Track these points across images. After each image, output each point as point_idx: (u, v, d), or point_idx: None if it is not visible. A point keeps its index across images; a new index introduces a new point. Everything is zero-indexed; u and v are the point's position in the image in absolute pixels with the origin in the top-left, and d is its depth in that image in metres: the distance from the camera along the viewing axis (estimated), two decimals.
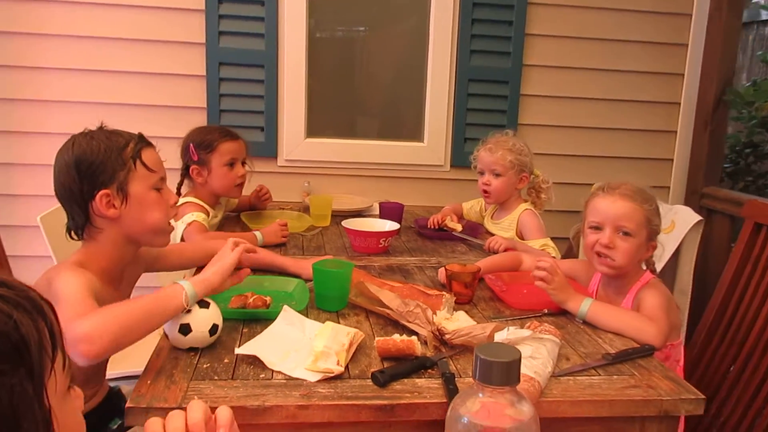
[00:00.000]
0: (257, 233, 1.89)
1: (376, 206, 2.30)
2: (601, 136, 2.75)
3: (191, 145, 1.97)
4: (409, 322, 1.26)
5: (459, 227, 2.13)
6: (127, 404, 0.96)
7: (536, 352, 1.11)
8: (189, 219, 1.87)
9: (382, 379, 1.05)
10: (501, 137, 2.15)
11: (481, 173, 2.15)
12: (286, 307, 1.28)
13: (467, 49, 2.59)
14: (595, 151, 2.75)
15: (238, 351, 1.13)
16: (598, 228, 1.45)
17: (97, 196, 1.23)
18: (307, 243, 1.99)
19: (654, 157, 2.79)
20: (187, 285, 1.14)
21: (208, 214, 1.98)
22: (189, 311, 1.14)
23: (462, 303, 1.46)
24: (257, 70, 2.53)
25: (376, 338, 1.16)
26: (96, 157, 1.23)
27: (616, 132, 2.75)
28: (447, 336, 1.20)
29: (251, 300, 1.34)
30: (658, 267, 1.89)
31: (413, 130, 2.69)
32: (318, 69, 2.60)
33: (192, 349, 1.15)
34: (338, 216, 2.19)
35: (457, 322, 1.26)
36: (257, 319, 1.29)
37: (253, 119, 2.56)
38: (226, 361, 1.12)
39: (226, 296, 1.36)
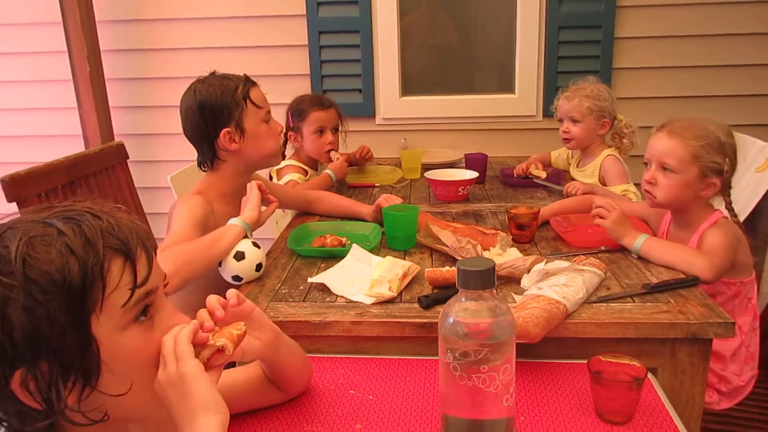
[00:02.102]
0: (329, 171, 2.16)
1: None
2: (701, 75, 2.62)
3: (288, 112, 2.21)
4: (462, 256, 1.41)
5: (543, 174, 2.21)
6: None
7: (571, 280, 1.21)
8: (286, 179, 2.13)
9: (425, 303, 1.22)
10: (580, 84, 2.16)
11: (561, 121, 2.19)
12: (355, 245, 1.47)
13: None
14: (696, 90, 2.63)
15: (311, 280, 1.35)
16: (647, 164, 1.49)
17: (221, 134, 1.49)
18: (396, 193, 2.17)
19: (758, 93, 2.61)
20: (237, 220, 1.39)
21: (306, 173, 2.22)
22: (244, 244, 1.35)
23: (522, 242, 1.57)
24: (353, 36, 2.71)
25: (426, 269, 1.33)
26: (215, 101, 1.48)
27: (717, 69, 2.61)
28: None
29: (329, 240, 1.55)
30: (747, 207, 1.86)
31: (504, 83, 2.74)
32: (410, 29, 2.73)
33: (236, 279, 1.35)
34: (430, 168, 2.34)
35: (507, 257, 1.39)
36: (334, 256, 1.50)
37: (352, 82, 2.76)
38: (301, 288, 1.34)
39: (310, 237, 1.60)
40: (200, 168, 1.56)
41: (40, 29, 2.72)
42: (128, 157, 1.95)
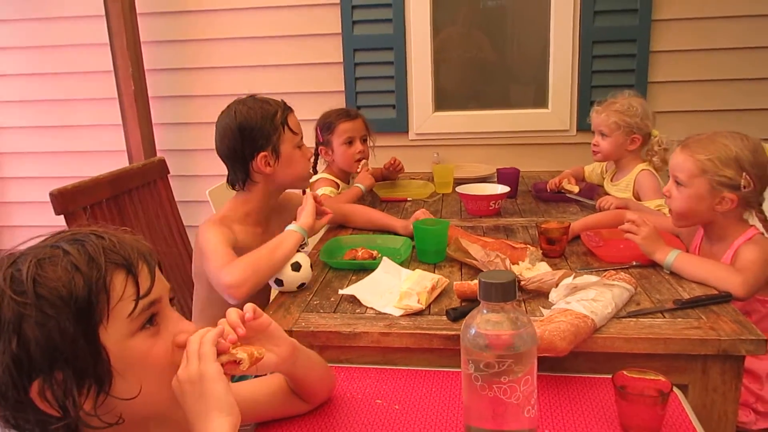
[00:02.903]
0: (358, 185, 2.21)
1: None
2: (738, 88, 2.58)
3: (317, 127, 2.26)
4: (491, 270, 1.42)
5: (576, 189, 2.20)
6: None
7: (600, 295, 1.21)
8: (320, 193, 2.17)
9: (453, 315, 1.23)
10: (612, 99, 2.16)
11: (593, 133, 2.19)
12: (385, 258, 1.50)
13: (591, 10, 2.59)
14: (733, 104, 2.60)
15: (341, 291, 1.38)
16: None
17: (258, 157, 1.53)
18: (427, 207, 2.19)
19: None
20: (294, 226, 1.47)
21: (338, 186, 2.27)
22: (300, 256, 1.42)
23: (553, 257, 1.58)
24: (387, 53, 2.76)
25: (454, 282, 1.35)
26: (255, 124, 1.53)
27: (755, 83, 2.57)
28: (522, 282, 1.34)
29: (360, 253, 1.58)
30: None
31: (538, 97, 2.75)
32: (443, 45, 2.77)
33: (278, 283, 1.41)
34: (462, 183, 2.36)
35: (536, 272, 1.40)
36: (364, 269, 1.53)
37: (385, 98, 2.81)
38: (332, 299, 1.37)
39: (342, 250, 1.63)
40: (230, 186, 1.61)
41: (88, 50, 2.85)
42: (169, 172, 2.02)
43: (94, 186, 1.61)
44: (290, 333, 1.22)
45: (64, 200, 1.48)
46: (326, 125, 2.25)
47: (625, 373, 0.97)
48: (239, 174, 1.56)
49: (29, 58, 2.97)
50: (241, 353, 0.78)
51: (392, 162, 2.53)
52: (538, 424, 0.85)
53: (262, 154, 1.53)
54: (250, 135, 1.52)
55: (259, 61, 2.84)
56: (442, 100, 2.81)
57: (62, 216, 1.49)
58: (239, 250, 1.48)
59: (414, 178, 2.62)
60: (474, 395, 0.81)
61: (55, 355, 0.66)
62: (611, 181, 2.27)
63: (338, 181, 2.28)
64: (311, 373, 0.97)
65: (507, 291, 0.80)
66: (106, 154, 2.87)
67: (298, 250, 1.45)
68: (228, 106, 1.57)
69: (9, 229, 3.17)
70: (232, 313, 0.83)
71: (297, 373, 0.95)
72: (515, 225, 1.91)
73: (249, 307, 0.86)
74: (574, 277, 1.29)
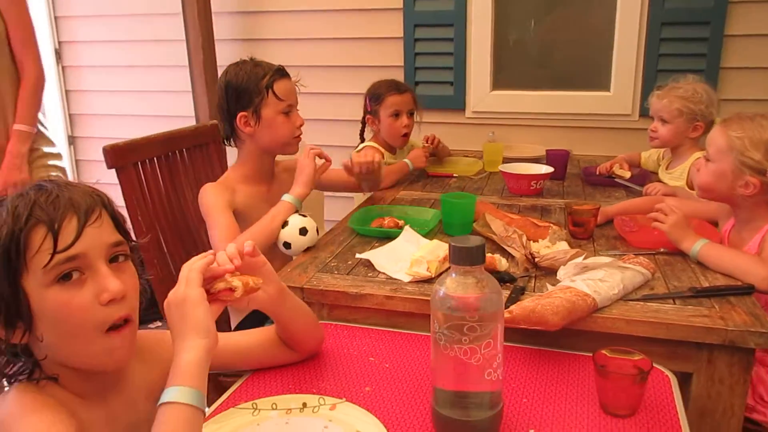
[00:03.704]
0: (407, 160, 2.22)
1: None
2: None
3: (366, 97, 2.30)
4: (508, 245, 1.43)
5: (627, 174, 2.14)
6: None
7: (608, 276, 1.20)
8: None
9: None
10: (676, 83, 2.06)
11: (652, 119, 2.11)
12: (407, 227, 1.53)
13: None
14: None
15: (358, 255, 1.43)
16: None
17: (238, 116, 1.61)
18: (471, 183, 2.20)
19: None
20: (290, 198, 1.56)
21: (382, 156, 2.30)
22: (300, 223, 1.51)
23: (580, 238, 1.56)
24: (447, 29, 2.75)
25: None
26: (240, 84, 1.61)
27: None
28: (536, 259, 1.34)
29: (387, 221, 1.63)
30: None
31: (599, 80, 2.66)
32: (504, 23, 2.73)
33: (286, 246, 1.51)
34: (512, 162, 2.34)
35: (554, 250, 1.39)
36: (388, 237, 1.57)
37: (443, 75, 2.81)
38: (349, 262, 1.43)
39: (371, 218, 1.68)
40: (223, 142, 1.73)
41: (162, 20, 3.02)
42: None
43: (146, 144, 1.72)
44: (302, 290, 1.29)
45: (115, 155, 1.61)
46: (375, 96, 2.29)
47: (605, 352, 0.97)
48: (227, 130, 1.66)
49: (109, 26, 3.18)
50: (236, 281, 0.84)
51: (430, 138, 2.45)
52: (501, 388, 0.86)
53: (242, 113, 1.60)
54: (234, 94, 1.60)
55: (322, 33, 2.90)
56: (500, 79, 2.77)
57: (113, 170, 1.62)
58: (244, 209, 1.60)
59: (468, 155, 2.62)
60: (438, 355, 0.84)
61: None
62: (666, 169, 2.18)
63: (383, 150, 2.32)
64: (297, 319, 1.03)
65: (474, 255, 0.81)
66: (176, 119, 3.04)
67: (303, 215, 1.53)
68: (226, 67, 1.67)
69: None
70: (231, 246, 0.90)
71: (283, 316, 1.01)
72: (553, 206, 1.88)
73: (249, 243, 0.92)
74: (586, 257, 1.27)
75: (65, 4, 3.24)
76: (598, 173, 2.20)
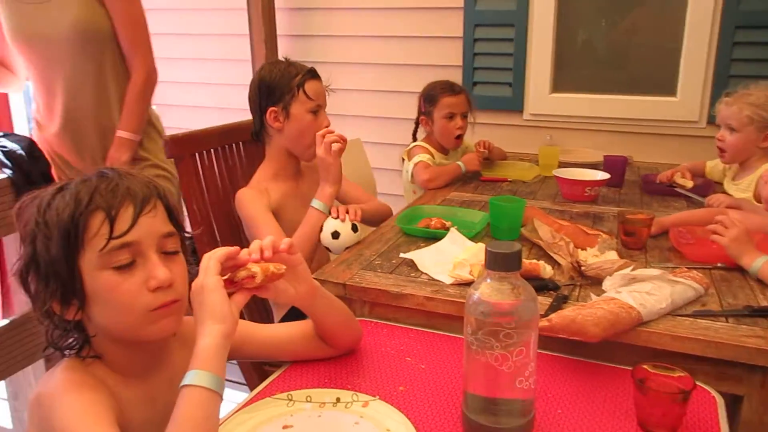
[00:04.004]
0: (460, 162, 2.20)
1: None
2: None
3: (420, 97, 2.30)
4: (554, 252, 1.40)
5: (689, 184, 2.06)
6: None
7: (656, 289, 1.16)
8: (417, 159, 2.22)
9: None
10: (747, 89, 1.97)
11: (719, 127, 2.02)
12: (453, 229, 1.53)
13: None
14: None
15: (402, 255, 1.43)
16: None
17: (268, 111, 1.68)
18: (524, 188, 2.17)
19: None
20: (316, 203, 1.61)
21: (433, 157, 2.29)
22: (332, 227, 1.56)
23: (632, 248, 1.51)
24: (508, 30, 2.71)
25: None
26: (273, 81, 1.68)
27: None
28: (582, 268, 1.31)
29: (433, 222, 1.63)
30: None
31: (666, 84, 2.56)
32: (566, 24, 2.66)
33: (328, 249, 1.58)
34: (569, 167, 2.29)
35: (603, 259, 1.36)
36: (434, 238, 1.57)
37: (503, 75, 2.77)
38: (393, 261, 1.44)
39: (419, 218, 1.69)
40: (252, 138, 1.78)
41: (229, 15, 3.11)
42: None
43: (204, 136, 1.78)
44: (344, 286, 1.31)
45: (175, 146, 1.67)
46: (429, 97, 2.28)
47: (646, 367, 0.94)
48: (257, 125, 1.72)
49: (180, 19, 3.30)
50: (255, 267, 0.86)
51: (484, 144, 2.40)
52: (533, 397, 0.85)
53: (272, 108, 1.66)
54: (267, 90, 1.67)
55: (383, 31, 2.91)
56: (561, 81, 2.71)
57: (172, 160, 1.68)
58: (276, 207, 1.65)
59: (523, 159, 2.58)
60: (470, 360, 0.84)
61: (50, 269, 0.80)
62: (732, 179, 2.09)
63: (434, 151, 2.31)
64: (331, 317, 1.05)
65: (510, 261, 0.81)
66: (238, 111, 3.13)
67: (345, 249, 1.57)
68: (262, 64, 1.75)
69: None
70: (267, 239, 0.92)
71: (315, 313, 1.03)
72: (606, 213, 1.83)
73: (287, 241, 0.94)
74: (634, 268, 1.24)
75: None
76: (658, 182, 2.12)
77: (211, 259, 0.84)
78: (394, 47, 2.91)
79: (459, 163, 2.22)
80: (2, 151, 1.78)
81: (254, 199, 1.64)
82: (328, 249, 1.59)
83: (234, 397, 2.27)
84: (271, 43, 2.94)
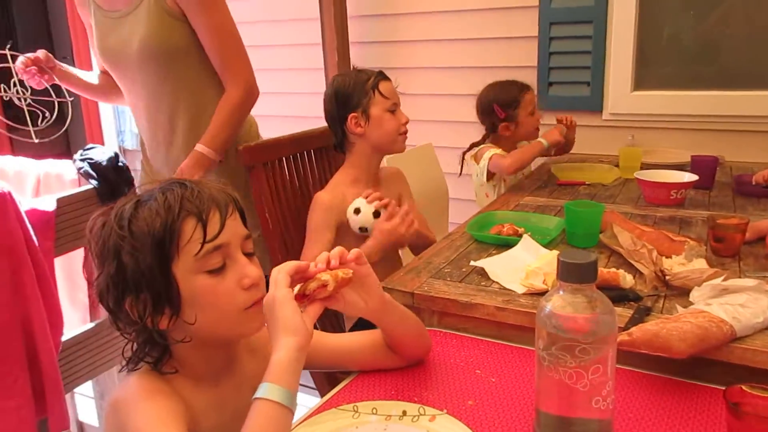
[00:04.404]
0: (541, 139, 2.17)
1: None
2: None
3: (495, 105, 2.24)
4: (636, 261, 1.32)
5: None
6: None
7: (752, 302, 1.07)
8: (490, 154, 2.19)
9: None
10: None
11: None
12: (526, 236, 1.47)
13: None
14: None
15: (473, 263, 1.39)
16: None
17: (349, 118, 1.70)
18: (603, 191, 2.07)
19: None
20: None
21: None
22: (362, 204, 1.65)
23: (722, 256, 1.40)
24: (586, 27, 2.60)
25: None
26: (348, 89, 1.71)
27: None
28: (667, 277, 1.22)
29: (505, 228, 1.57)
30: None
31: (761, 78, 2.38)
32: (649, 19, 2.53)
33: (362, 230, 1.66)
34: (652, 169, 2.17)
35: (690, 268, 1.26)
36: (507, 245, 1.51)
37: (580, 75, 2.66)
38: (463, 269, 1.39)
39: (491, 224, 1.64)
40: (335, 149, 1.81)
41: (302, 24, 3.16)
42: None
43: (276, 145, 1.81)
44: (412, 295, 1.28)
45: (248, 155, 1.70)
46: (508, 100, 2.24)
47: (743, 388, 0.85)
48: (338, 136, 1.75)
49: (257, 31, 3.38)
50: (325, 276, 0.85)
51: (566, 119, 2.30)
52: (611, 417, 0.79)
53: (353, 114, 1.69)
54: (343, 99, 1.70)
55: (455, 34, 2.88)
56: (643, 78, 2.57)
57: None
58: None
59: (603, 161, 2.47)
60: (542, 376, 0.79)
61: (141, 279, 0.81)
62: None
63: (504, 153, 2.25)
64: (401, 328, 1.02)
65: (585, 272, 0.76)
66: (310, 119, 3.17)
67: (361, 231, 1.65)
68: (332, 78, 1.79)
69: None
70: (336, 249, 0.91)
71: (385, 325, 1.01)
72: (695, 218, 1.72)
73: (355, 252, 0.92)
74: (726, 278, 1.14)
75: None
76: (754, 183, 1.97)
77: (281, 273, 0.84)
78: (466, 50, 2.87)
79: (540, 139, 2.18)
80: (89, 163, 1.87)
81: (320, 212, 1.67)
82: (361, 231, 1.67)
83: (305, 401, 2.30)
84: (344, 50, 2.96)
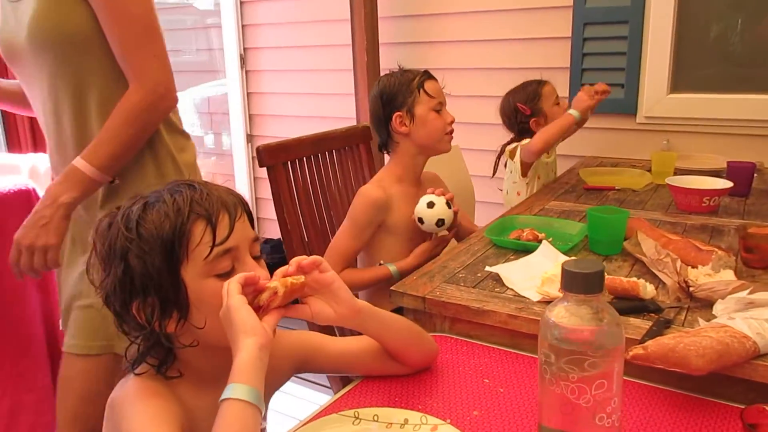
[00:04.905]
0: (571, 111, 2.11)
1: None
2: None
3: (518, 104, 2.20)
4: (659, 270, 1.26)
5: None
6: (391, 288, 1.31)
7: None
8: (521, 144, 2.17)
9: None
10: None
11: None
12: (545, 242, 1.43)
13: None
14: None
15: (488, 268, 1.36)
16: None
17: (394, 117, 1.69)
18: (633, 197, 2.01)
19: None
20: (391, 266, 1.69)
21: None
22: (427, 198, 1.66)
23: (754, 268, 1.34)
24: (621, 27, 2.53)
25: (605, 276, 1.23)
26: (393, 88, 1.70)
27: None
28: (691, 289, 1.17)
29: (525, 233, 1.53)
30: None
31: None
32: (688, 19, 2.44)
33: (439, 223, 1.67)
34: (687, 174, 2.09)
35: (717, 279, 1.20)
36: (526, 250, 1.47)
37: (614, 76, 2.58)
38: (478, 275, 1.36)
39: (510, 229, 1.60)
40: (380, 150, 1.80)
41: (332, 26, 3.16)
42: (372, 138, 2.15)
43: (296, 144, 1.80)
44: (423, 300, 1.26)
45: (267, 155, 1.70)
46: (530, 96, 2.21)
47: (766, 408, 0.80)
48: (382, 136, 1.74)
49: (286, 33, 3.40)
50: (273, 283, 0.83)
51: (598, 90, 2.15)
52: None
53: (398, 113, 1.68)
54: (389, 98, 1.69)
55: (486, 35, 2.83)
56: (680, 81, 2.49)
57: (265, 168, 1.71)
58: (394, 210, 1.69)
59: (635, 166, 2.40)
60: (544, 390, 0.76)
61: (149, 283, 0.80)
62: None
63: None
64: (385, 335, 0.99)
65: (591, 282, 0.72)
66: (340, 120, 3.17)
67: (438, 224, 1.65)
68: (378, 78, 1.77)
69: (259, 180, 3.71)
70: (295, 259, 0.88)
71: (368, 333, 0.98)
72: (727, 227, 1.64)
73: (312, 259, 0.88)
74: (752, 291, 1.08)
75: (252, 13, 3.52)
76: None
77: (231, 283, 0.81)
78: (497, 51, 2.82)
79: (570, 111, 2.12)
80: None
81: (365, 207, 1.68)
82: (420, 222, 1.66)
83: (318, 399, 2.30)
84: (373, 51, 2.95)
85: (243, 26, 3.58)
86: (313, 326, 1.53)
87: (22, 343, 1.62)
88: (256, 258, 0.88)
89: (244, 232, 0.86)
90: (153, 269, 0.80)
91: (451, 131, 1.73)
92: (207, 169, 4.03)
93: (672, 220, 1.72)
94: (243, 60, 3.63)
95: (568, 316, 0.74)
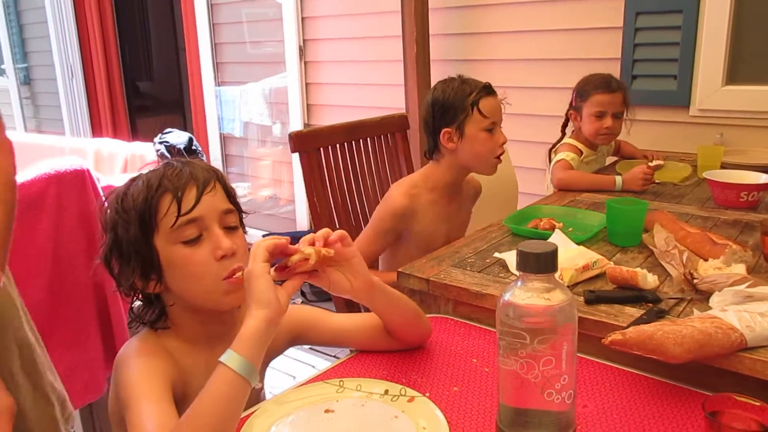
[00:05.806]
0: (617, 177, 1.96)
1: None
2: None
3: (574, 90, 2.15)
4: (666, 262, 1.25)
5: None
6: (399, 270, 1.36)
7: None
8: (559, 157, 2.10)
9: (588, 297, 1.14)
10: None
11: None
12: (557, 230, 1.43)
13: None
14: None
15: (496, 254, 1.38)
16: None
17: (442, 132, 1.64)
18: (672, 190, 1.95)
19: None
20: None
21: (581, 153, 2.15)
22: None
23: None
24: (675, 17, 2.45)
25: (608, 266, 1.23)
26: (446, 101, 1.63)
27: None
28: (695, 281, 1.15)
29: (542, 223, 1.54)
30: None
31: None
32: (747, 7, 2.33)
33: None
34: (735, 169, 2.01)
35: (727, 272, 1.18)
36: (541, 238, 1.47)
37: (667, 67, 2.51)
38: (487, 260, 1.39)
39: (531, 218, 1.61)
40: (425, 156, 1.73)
41: (384, 17, 3.21)
42: (409, 128, 2.20)
43: (329, 132, 1.87)
44: (427, 281, 1.30)
45: (299, 141, 1.78)
46: (582, 92, 2.14)
47: (735, 397, 0.80)
48: (430, 144, 1.68)
49: (341, 25, 3.48)
50: (308, 249, 0.88)
51: (654, 164, 2.04)
52: (568, 410, 0.77)
53: (446, 129, 1.61)
54: (441, 110, 1.62)
55: (536, 25, 2.81)
56: (736, 72, 2.38)
57: (296, 154, 1.79)
58: (419, 218, 1.65)
59: (683, 160, 2.32)
60: (500, 366, 0.79)
61: (130, 249, 0.93)
62: None
63: (583, 148, 2.17)
64: (392, 312, 1.04)
65: (542, 262, 0.74)
66: (387, 110, 3.22)
67: None
68: (436, 83, 1.69)
69: None
70: (322, 231, 0.94)
71: (375, 307, 1.03)
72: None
73: (339, 232, 0.94)
74: (752, 284, 1.06)
75: (312, 5, 3.63)
76: None
77: (259, 247, 0.87)
78: (547, 42, 2.79)
79: (617, 177, 1.96)
80: (165, 146, 2.04)
81: (391, 214, 1.64)
82: None
83: (320, 365, 2.35)
84: (423, 42, 2.98)
85: (303, 18, 3.69)
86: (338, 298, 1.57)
87: (75, 310, 1.78)
88: (231, 228, 0.96)
89: (214, 204, 0.94)
90: (132, 237, 0.92)
91: (501, 153, 1.65)
92: (274, 158, 4.16)
93: (705, 215, 1.67)
94: (302, 51, 3.74)
95: (519, 294, 0.77)
